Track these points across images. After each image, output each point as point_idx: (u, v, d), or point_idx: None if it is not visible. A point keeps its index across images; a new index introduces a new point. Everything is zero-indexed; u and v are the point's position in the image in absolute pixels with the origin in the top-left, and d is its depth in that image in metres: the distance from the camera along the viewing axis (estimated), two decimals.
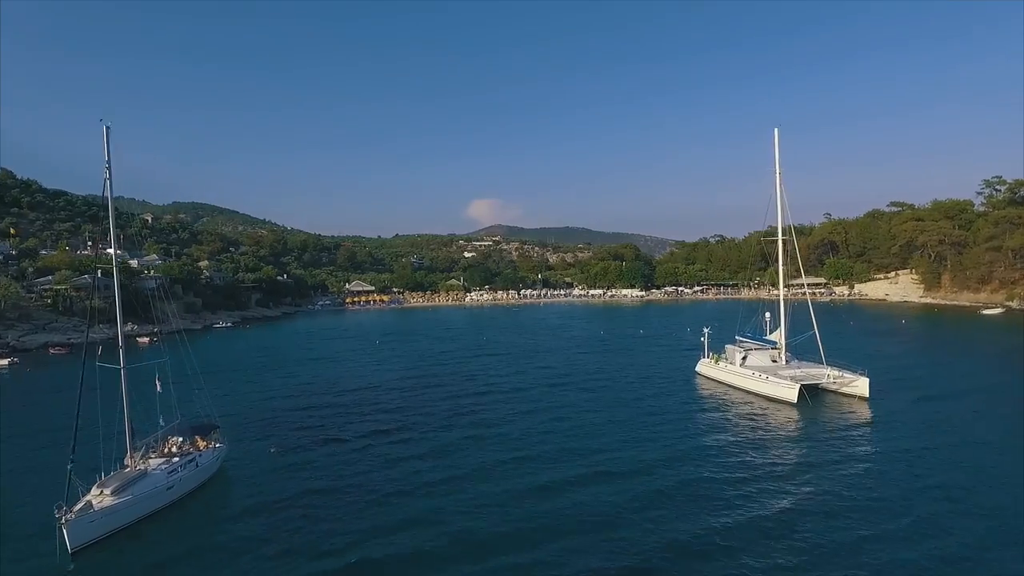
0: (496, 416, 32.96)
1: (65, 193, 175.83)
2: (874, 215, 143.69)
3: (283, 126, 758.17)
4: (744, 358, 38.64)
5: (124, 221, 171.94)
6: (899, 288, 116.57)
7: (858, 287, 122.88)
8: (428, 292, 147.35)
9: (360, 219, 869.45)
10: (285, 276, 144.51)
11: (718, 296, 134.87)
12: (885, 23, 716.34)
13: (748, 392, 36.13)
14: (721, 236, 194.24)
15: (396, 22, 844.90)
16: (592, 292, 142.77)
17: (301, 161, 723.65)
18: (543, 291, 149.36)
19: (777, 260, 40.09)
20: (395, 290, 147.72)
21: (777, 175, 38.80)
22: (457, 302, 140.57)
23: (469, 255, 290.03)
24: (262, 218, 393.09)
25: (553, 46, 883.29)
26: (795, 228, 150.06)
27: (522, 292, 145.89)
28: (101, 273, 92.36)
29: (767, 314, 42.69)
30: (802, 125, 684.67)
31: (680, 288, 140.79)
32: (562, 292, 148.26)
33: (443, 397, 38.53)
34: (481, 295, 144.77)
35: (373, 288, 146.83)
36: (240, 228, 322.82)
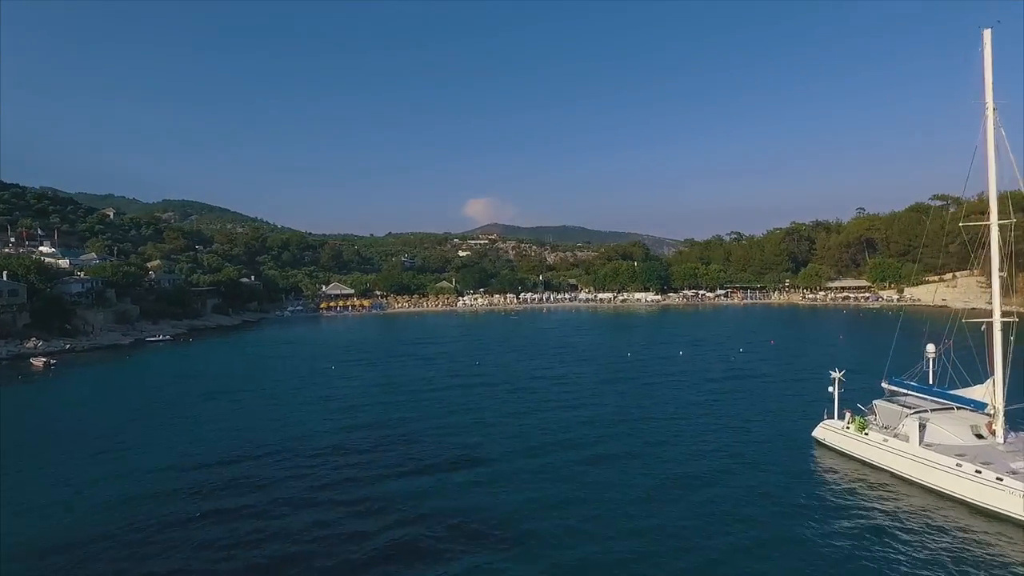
0: (494, 519, 16.97)
1: (16, 185, 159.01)
2: (917, 209, 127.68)
3: (278, 125, 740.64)
4: (922, 428, 22.26)
5: (74, 215, 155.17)
6: (959, 292, 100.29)
7: (908, 291, 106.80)
8: (415, 295, 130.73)
9: (354, 218, 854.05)
10: (252, 278, 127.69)
11: (745, 301, 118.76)
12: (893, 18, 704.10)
13: (943, 495, 19.92)
14: (738, 233, 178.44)
15: (391, 19, 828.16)
16: (600, 296, 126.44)
17: (296, 160, 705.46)
18: (545, 294, 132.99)
19: (989, 252, 22.97)
20: (377, 293, 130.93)
21: (989, 111, 22.10)
22: (448, 307, 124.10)
23: (464, 254, 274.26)
24: (254, 216, 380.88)
25: (548, 46, 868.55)
26: (822, 225, 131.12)
27: (521, 296, 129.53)
28: (6, 275, 72.70)
29: (931, 347, 26.18)
30: (812, 124, 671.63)
31: (700, 291, 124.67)
32: (566, 296, 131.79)
33: (405, 474, 22.52)
34: (475, 299, 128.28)
35: (352, 291, 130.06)
36: (229, 226, 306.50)
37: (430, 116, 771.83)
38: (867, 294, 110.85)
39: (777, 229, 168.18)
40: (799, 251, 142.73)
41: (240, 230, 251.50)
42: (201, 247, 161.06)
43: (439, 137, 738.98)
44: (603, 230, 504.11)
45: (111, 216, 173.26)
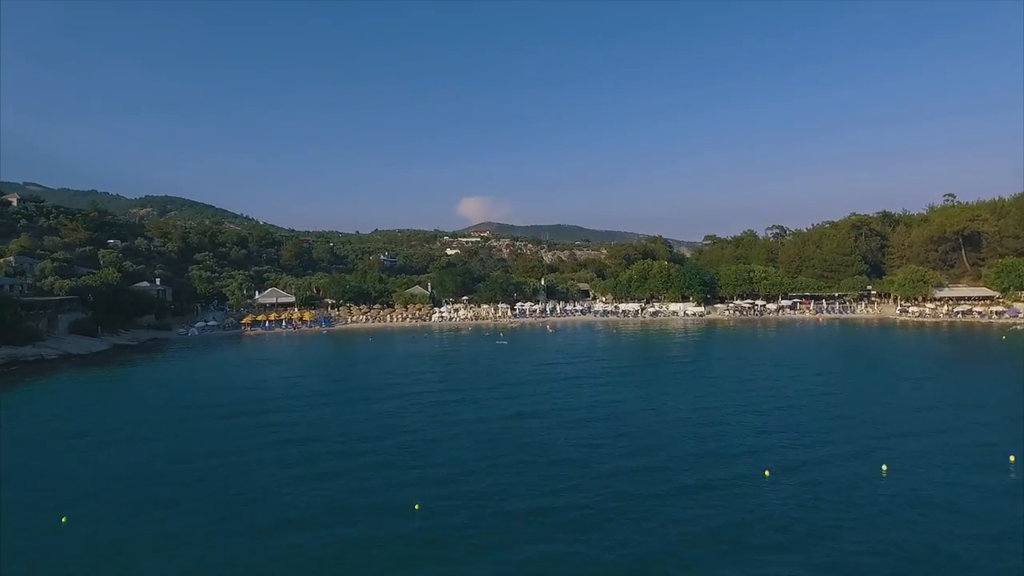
0: None
1: None
2: None
3: (272, 124, 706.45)
4: None
5: None
6: None
7: None
8: (378, 305, 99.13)
9: (347, 218, 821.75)
10: (159, 281, 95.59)
11: (820, 315, 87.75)
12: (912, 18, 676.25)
13: None
14: (780, 228, 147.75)
15: (388, 21, 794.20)
16: (623, 307, 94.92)
17: (287, 160, 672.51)
18: (548, 304, 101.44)
19: None
20: (328, 301, 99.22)
21: None
22: (420, 322, 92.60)
23: (452, 252, 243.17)
24: (239, 213, 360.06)
25: (545, 45, 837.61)
26: (894, 217, 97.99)
27: (517, 305, 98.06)
28: None
29: None
30: (835, 121, 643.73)
31: (759, 303, 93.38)
32: (577, 307, 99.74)
33: None
34: (456, 310, 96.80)
35: (293, 298, 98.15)
36: (208, 222, 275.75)
37: (425, 113, 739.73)
38: (999, 308, 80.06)
39: (827, 223, 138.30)
40: (868, 249, 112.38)
41: (159, 220, 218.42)
42: (117, 242, 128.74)
43: (434, 134, 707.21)
44: (599, 229, 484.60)
45: (14, 203, 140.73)
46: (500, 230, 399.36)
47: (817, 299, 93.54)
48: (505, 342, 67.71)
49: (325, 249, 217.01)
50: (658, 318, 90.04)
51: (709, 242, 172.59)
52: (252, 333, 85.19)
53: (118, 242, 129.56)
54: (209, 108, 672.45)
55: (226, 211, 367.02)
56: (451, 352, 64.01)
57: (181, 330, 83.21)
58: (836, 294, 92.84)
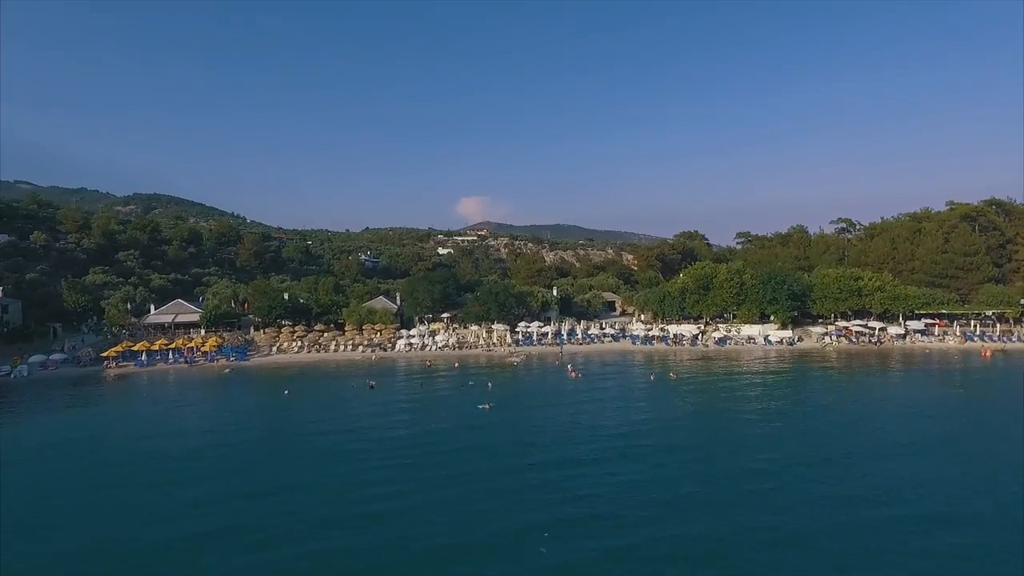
0: None
1: None
2: None
3: (268, 122, 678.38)
4: None
5: None
6: None
7: None
8: (321, 325, 69.81)
9: (342, 217, 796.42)
10: (1, 292, 66.16)
11: (985, 349, 58.21)
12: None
13: None
14: (848, 221, 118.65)
15: (389, 21, 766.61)
16: (676, 331, 65.07)
17: (283, 158, 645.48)
18: (562, 323, 71.85)
19: None
20: (252, 318, 69.91)
21: None
22: (376, 353, 63.42)
23: (445, 252, 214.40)
24: (229, 211, 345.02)
25: (545, 46, 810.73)
26: (1006, 206, 68.62)
27: (520, 326, 68.71)
28: None
29: None
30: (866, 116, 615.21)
31: (872, 324, 63.50)
32: (608, 331, 68.97)
33: None
34: (432, 333, 67.52)
35: (198, 316, 68.57)
36: (192, 220, 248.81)
37: (423, 112, 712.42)
38: None
39: (904, 215, 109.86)
40: (988, 248, 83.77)
41: (72, 210, 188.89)
42: (8, 237, 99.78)
43: (432, 133, 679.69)
44: (599, 228, 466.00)
45: None
46: (499, 230, 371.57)
47: (956, 319, 64.36)
48: (487, 407, 38.53)
49: (297, 248, 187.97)
50: (727, 347, 60.83)
51: (743, 240, 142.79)
52: (118, 371, 56.04)
53: (3, 237, 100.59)
54: (205, 106, 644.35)
55: (215, 208, 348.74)
56: (395, 430, 34.79)
57: (3, 369, 54.05)
58: (989, 312, 63.39)
